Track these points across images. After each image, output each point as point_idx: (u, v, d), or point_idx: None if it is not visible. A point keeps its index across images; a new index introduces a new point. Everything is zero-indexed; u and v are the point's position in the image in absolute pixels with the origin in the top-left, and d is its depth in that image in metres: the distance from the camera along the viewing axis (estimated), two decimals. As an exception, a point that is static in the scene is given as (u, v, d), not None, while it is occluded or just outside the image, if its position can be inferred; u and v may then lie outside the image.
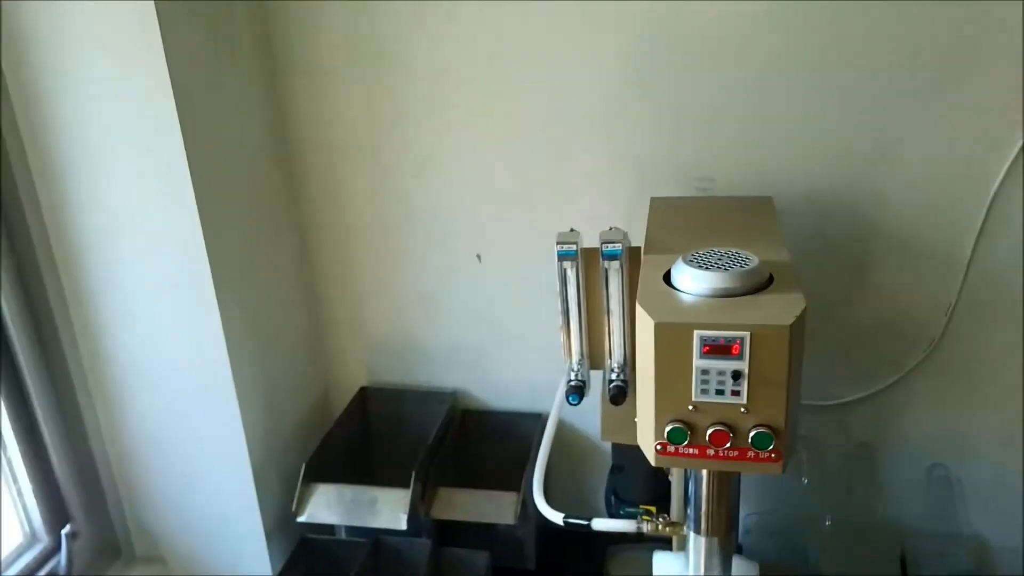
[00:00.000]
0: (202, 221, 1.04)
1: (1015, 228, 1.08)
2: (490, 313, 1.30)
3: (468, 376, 1.36)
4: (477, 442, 1.39)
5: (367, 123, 1.21)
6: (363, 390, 1.37)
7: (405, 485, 1.14)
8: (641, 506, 1.09)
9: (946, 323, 1.14)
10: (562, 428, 1.35)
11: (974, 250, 1.10)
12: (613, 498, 1.13)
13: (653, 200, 1.05)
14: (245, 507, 1.20)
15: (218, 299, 1.08)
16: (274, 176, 1.23)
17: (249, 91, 1.16)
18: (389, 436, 1.38)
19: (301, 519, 1.14)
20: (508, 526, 1.26)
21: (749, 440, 0.73)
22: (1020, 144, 1.04)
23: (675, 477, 1.03)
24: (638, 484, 1.10)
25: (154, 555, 1.28)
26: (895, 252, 1.13)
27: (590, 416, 1.10)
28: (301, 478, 1.15)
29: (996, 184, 1.06)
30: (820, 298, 1.17)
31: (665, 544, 1.11)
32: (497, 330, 1.31)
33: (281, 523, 1.23)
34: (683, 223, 0.98)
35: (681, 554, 0.97)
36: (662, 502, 1.09)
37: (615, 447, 1.09)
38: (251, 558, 1.22)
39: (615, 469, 1.12)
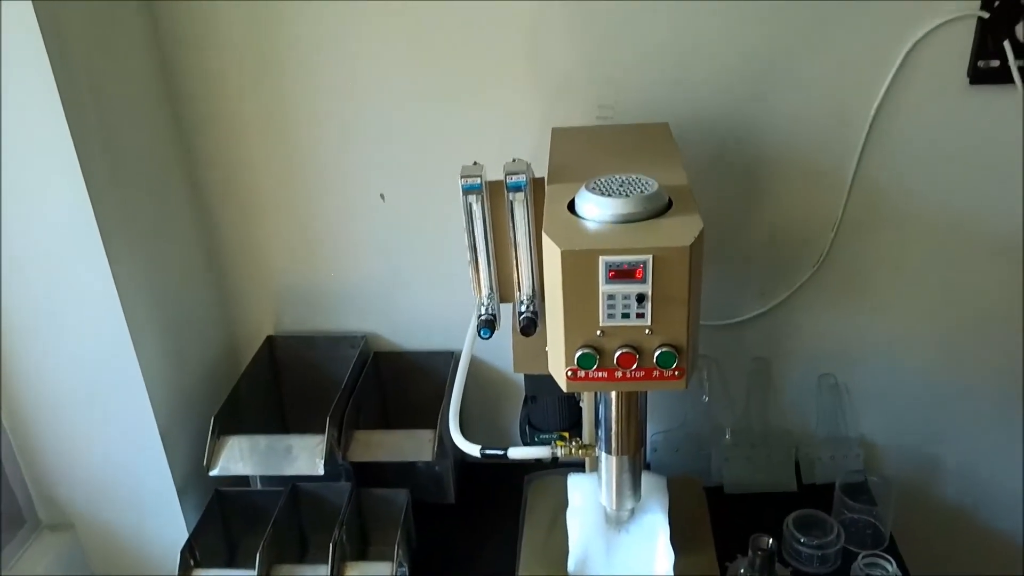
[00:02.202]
0: (83, 170, 0.98)
1: (893, 146, 1.14)
2: (397, 253, 1.29)
3: (379, 318, 1.35)
4: (392, 383, 1.39)
5: (258, 53, 1.15)
6: (270, 339, 1.35)
7: (320, 431, 1.13)
8: (555, 432, 1.11)
9: (832, 239, 1.20)
10: (476, 363, 1.37)
11: (856, 168, 1.15)
12: (528, 427, 1.16)
13: (554, 131, 1.05)
14: (153, 465, 1.17)
15: (108, 255, 1.03)
16: (161, 122, 1.17)
17: (131, 27, 1.09)
18: (300, 384, 1.36)
19: (214, 473, 1.12)
20: (426, 463, 1.27)
21: (654, 360, 0.76)
22: (896, 65, 1.08)
23: (586, 402, 1.07)
24: (551, 412, 1.12)
25: (62, 522, 1.23)
26: (784, 172, 1.17)
27: (503, 349, 1.11)
28: (211, 431, 1.12)
29: (875, 105, 1.11)
30: (716, 220, 1.21)
31: (579, 467, 1.15)
32: (405, 270, 1.30)
33: (193, 479, 1.20)
34: (585, 152, 0.99)
35: (594, 474, 1.00)
36: (575, 428, 1.12)
37: (528, 378, 1.11)
38: (164, 516, 1.19)
39: (528, 399, 1.15)
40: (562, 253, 0.73)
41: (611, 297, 0.74)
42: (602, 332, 0.76)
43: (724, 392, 1.32)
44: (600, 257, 0.73)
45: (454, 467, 1.32)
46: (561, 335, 0.77)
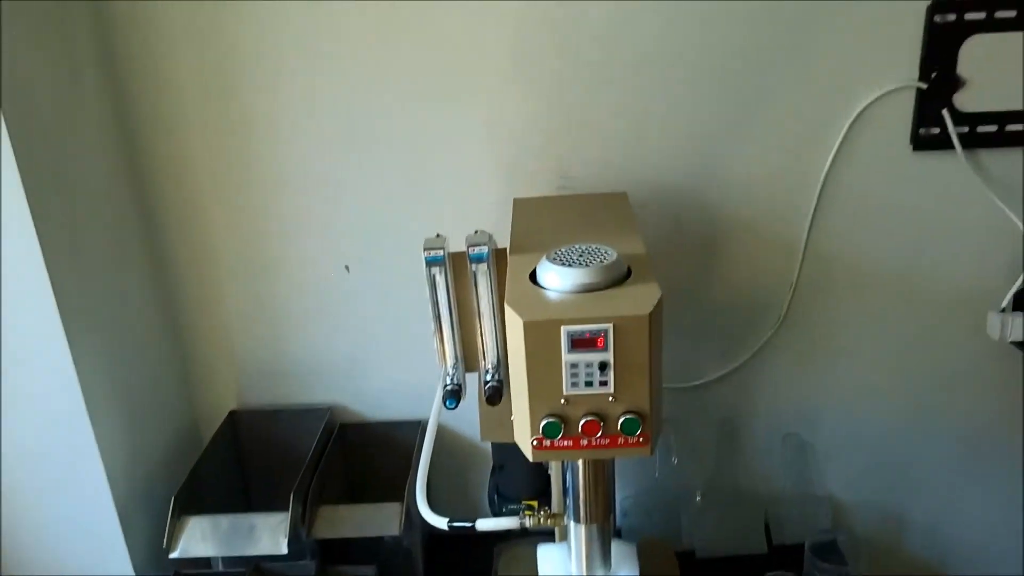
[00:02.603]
0: (42, 244, 0.97)
1: (843, 210, 1.18)
2: (361, 323, 1.28)
3: (344, 390, 1.34)
4: (358, 455, 1.37)
5: (220, 132, 1.16)
6: (232, 414, 1.32)
7: (284, 508, 1.11)
8: (524, 501, 1.10)
9: (789, 301, 1.23)
10: (442, 432, 1.36)
11: (809, 232, 1.19)
12: (496, 497, 1.15)
13: (516, 201, 1.07)
14: (111, 548, 1.13)
15: (65, 330, 1.01)
16: (122, 194, 1.17)
17: (91, 102, 1.10)
18: (264, 459, 1.33)
19: (174, 555, 1.09)
20: (394, 537, 1.25)
21: (619, 426, 0.77)
22: (843, 133, 1.13)
23: (554, 470, 1.06)
24: (519, 480, 1.12)
25: (11, 609, 1.18)
26: (740, 237, 1.21)
27: (469, 418, 1.11)
28: (171, 511, 1.09)
29: (824, 171, 1.15)
30: (676, 285, 1.23)
31: (549, 536, 1.14)
32: (370, 340, 1.30)
33: (153, 561, 1.16)
34: (546, 222, 1.00)
35: (563, 544, 0.99)
36: (544, 496, 1.11)
37: (495, 446, 1.10)
38: (121, 602, 1.15)
39: (496, 468, 1.14)
40: (524, 324, 0.74)
41: (574, 366, 0.75)
42: (566, 400, 0.76)
43: (692, 454, 1.32)
44: (562, 327, 0.74)
45: (423, 539, 1.30)
46: (526, 404, 0.77)
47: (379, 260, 1.24)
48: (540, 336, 0.74)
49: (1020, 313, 1.13)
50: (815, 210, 1.17)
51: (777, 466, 1.34)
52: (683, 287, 1.24)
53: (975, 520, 1.37)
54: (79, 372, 1.04)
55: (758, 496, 1.35)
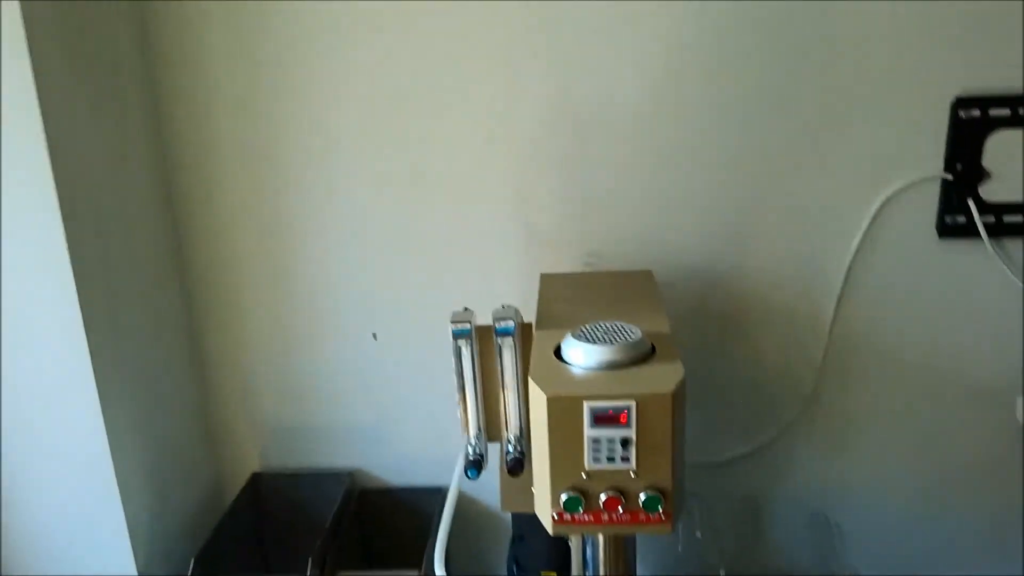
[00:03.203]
0: (83, 311, 1.01)
1: (869, 294, 1.19)
2: (386, 390, 1.30)
3: (366, 455, 1.35)
4: (378, 521, 1.37)
5: (254, 195, 1.21)
6: (255, 476, 1.34)
7: (302, 572, 1.11)
8: (543, 573, 1.10)
9: (815, 381, 1.23)
10: (463, 500, 1.36)
11: (835, 314, 1.20)
12: (515, 567, 1.14)
13: (543, 276, 1.10)
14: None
15: (99, 395, 1.04)
16: (160, 261, 1.21)
17: (132, 152, 1.14)
18: (285, 522, 1.34)
19: (193, 617, 1.09)
20: (412, 606, 1.24)
21: (640, 503, 0.77)
22: (869, 219, 1.15)
23: (574, 543, 1.06)
24: (539, 552, 1.11)
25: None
26: (767, 319, 1.22)
27: (489, 487, 1.11)
28: (191, 573, 1.10)
29: (851, 256, 1.17)
30: (701, 363, 1.24)
31: (568, 612, 1.13)
32: (394, 407, 1.31)
33: (172, 622, 1.17)
34: (571, 297, 1.03)
35: (582, 621, 0.98)
36: (564, 569, 1.11)
37: (515, 516, 1.10)
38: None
39: (516, 539, 1.14)
40: (548, 398, 0.75)
41: (596, 441, 0.76)
42: (587, 475, 0.77)
43: (714, 531, 1.31)
44: (585, 403, 0.75)
45: (440, 610, 1.28)
46: (547, 477, 0.78)
47: (406, 329, 1.26)
48: (563, 411, 0.76)
49: (1047, 400, 1.12)
50: (841, 294, 1.19)
51: (801, 545, 1.32)
52: (708, 365, 1.24)
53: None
54: (110, 437, 1.07)
55: (781, 574, 1.32)
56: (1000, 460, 1.25)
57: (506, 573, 1.17)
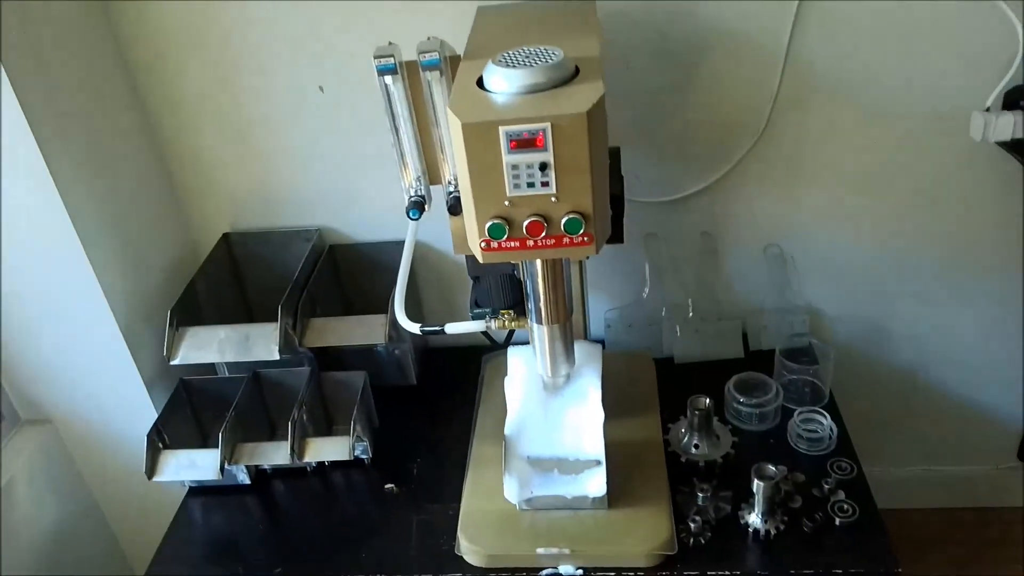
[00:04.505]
0: (15, 87, 0.99)
1: (824, 17, 1.13)
2: (342, 145, 1.29)
3: (332, 212, 1.37)
4: (350, 275, 1.42)
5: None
6: (226, 236, 1.37)
7: (275, 320, 1.17)
8: (501, 311, 1.15)
9: (770, 112, 1.20)
10: (426, 249, 1.40)
11: (790, 41, 1.14)
12: (475, 307, 1.19)
13: (479, 9, 1.04)
14: (120, 362, 1.22)
15: (50, 169, 1.05)
16: (96, 34, 1.16)
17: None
18: (257, 278, 1.40)
19: (175, 362, 1.17)
20: (387, 348, 1.33)
21: (562, 227, 0.79)
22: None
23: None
24: (495, 291, 1.15)
25: (40, 417, 1.30)
26: (721, 47, 1.16)
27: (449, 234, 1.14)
28: (168, 323, 1.17)
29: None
30: (657, 99, 1.21)
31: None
32: (353, 162, 1.31)
33: (160, 371, 1.25)
34: (504, 29, 0.98)
35: (531, 346, 1.05)
36: (519, 305, 1.16)
37: (469, 259, 1.13)
38: (136, 407, 1.25)
39: (474, 280, 1.18)
40: (463, 126, 0.74)
41: (515, 167, 0.76)
42: (510, 202, 0.78)
43: (673, 267, 1.35)
44: (499, 127, 0.74)
45: (415, 351, 1.37)
46: (472, 207, 0.79)
47: (353, 78, 1.23)
48: (480, 138, 0.75)
49: (1006, 112, 1.10)
50: (795, 19, 1.12)
51: (758, 278, 1.37)
52: (664, 101, 1.21)
53: (958, 328, 1.40)
54: (69, 208, 1.09)
55: (738, 307, 1.38)
56: (955, 182, 1.25)
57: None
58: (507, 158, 0.76)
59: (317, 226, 1.38)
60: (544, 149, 0.75)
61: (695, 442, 1.15)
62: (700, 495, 1.07)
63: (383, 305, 1.26)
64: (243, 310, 1.42)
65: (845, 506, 1.06)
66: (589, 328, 1.27)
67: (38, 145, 1.03)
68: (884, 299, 1.39)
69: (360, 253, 1.39)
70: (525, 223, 0.79)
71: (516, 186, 0.77)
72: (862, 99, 1.19)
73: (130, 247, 1.22)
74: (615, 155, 0.96)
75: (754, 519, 1.04)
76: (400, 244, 1.35)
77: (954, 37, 1.12)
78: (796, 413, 1.18)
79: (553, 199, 0.78)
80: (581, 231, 0.79)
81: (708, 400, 1.14)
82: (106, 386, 1.25)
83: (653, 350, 1.36)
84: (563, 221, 0.78)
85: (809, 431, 1.16)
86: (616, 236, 0.95)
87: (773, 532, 1.03)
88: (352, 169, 1.32)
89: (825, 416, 1.17)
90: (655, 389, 1.25)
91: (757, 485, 1.02)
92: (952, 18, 1.11)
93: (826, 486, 1.09)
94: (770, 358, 1.28)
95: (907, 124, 1.20)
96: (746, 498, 1.06)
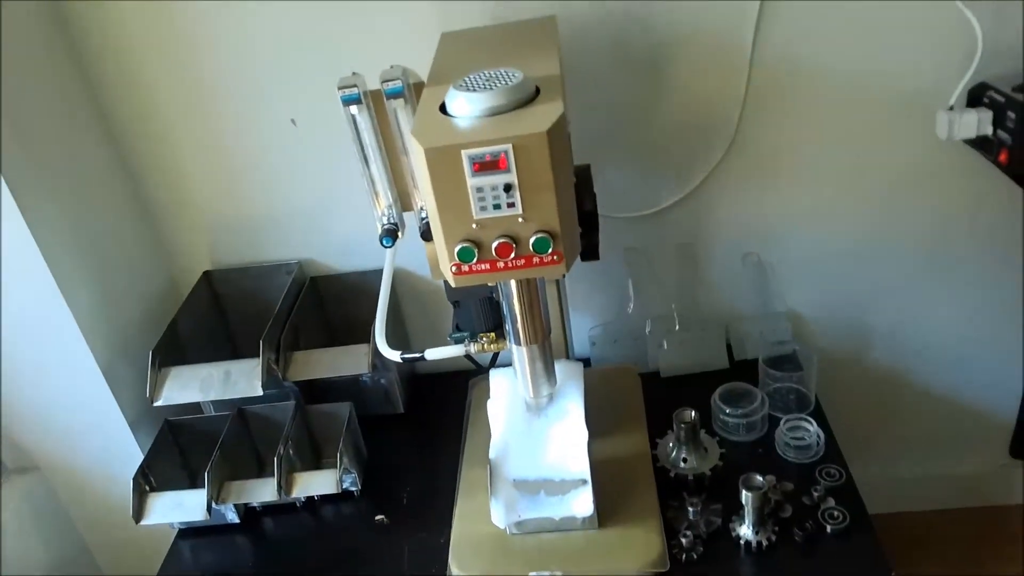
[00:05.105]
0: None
1: (786, 20, 1.14)
2: (319, 176, 1.30)
3: (311, 243, 1.38)
4: (333, 306, 1.42)
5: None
6: (207, 273, 1.37)
7: (257, 355, 1.17)
8: (481, 334, 1.15)
9: (739, 118, 1.21)
10: (407, 276, 1.40)
11: (754, 45, 1.15)
12: (456, 331, 1.19)
13: (443, 36, 1.05)
14: (103, 405, 1.21)
15: (21, 211, 1.06)
16: (63, 69, 1.17)
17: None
18: (239, 314, 1.39)
19: (158, 403, 1.16)
20: (372, 377, 1.32)
21: (531, 247, 0.79)
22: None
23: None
24: (475, 315, 1.15)
25: (27, 464, 1.29)
26: (685, 54, 1.17)
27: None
28: (150, 364, 1.16)
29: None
30: (625, 111, 1.22)
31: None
32: (330, 193, 1.31)
33: (144, 412, 1.25)
34: (466, 53, 0.99)
35: (512, 368, 1.04)
36: (500, 327, 1.16)
37: (447, 284, 1.13)
38: (120, 449, 1.24)
39: (454, 305, 1.18)
40: (425, 151, 0.75)
41: (480, 190, 0.76)
42: (478, 225, 0.78)
43: (653, 280, 1.35)
44: (462, 151, 0.74)
45: (401, 379, 1.37)
46: (440, 232, 0.80)
47: (324, 110, 1.22)
48: (443, 162, 0.75)
49: (969, 109, 1.11)
50: (757, 22, 1.13)
51: (738, 287, 1.37)
52: (632, 113, 1.22)
53: (938, 324, 1.40)
54: (43, 249, 1.09)
55: (721, 317, 1.38)
56: (926, 179, 1.25)
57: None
58: (471, 181, 0.76)
59: (297, 258, 1.38)
60: (507, 170, 0.75)
61: (683, 455, 1.15)
62: (690, 509, 1.07)
63: (367, 334, 1.25)
64: (226, 346, 1.42)
65: (835, 513, 1.05)
66: (573, 347, 1.27)
67: (5, 182, 1.03)
68: (865, 299, 1.39)
69: (342, 283, 1.39)
70: (494, 245, 0.79)
71: (482, 208, 0.78)
72: (830, 98, 1.19)
73: (107, 286, 1.22)
74: (586, 172, 0.97)
75: (745, 531, 1.03)
76: (379, 272, 1.37)
77: (916, 34, 1.14)
78: (783, 421, 1.18)
79: (520, 219, 0.78)
80: (550, 250, 0.79)
81: (694, 413, 1.13)
82: (90, 429, 1.24)
83: (639, 364, 1.36)
84: (531, 241, 0.79)
85: (796, 439, 1.16)
86: (591, 253, 0.95)
87: (765, 543, 1.02)
88: (329, 199, 1.32)
89: (811, 423, 1.17)
90: (641, 403, 1.25)
91: (746, 496, 1.01)
92: (914, 16, 1.12)
93: (816, 493, 1.08)
94: (755, 367, 1.27)
95: (877, 121, 1.21)
96: (736, 510, 1.05)
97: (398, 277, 1.38)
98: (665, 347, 1.34)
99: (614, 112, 1.22)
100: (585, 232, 0.90)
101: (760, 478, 1.01)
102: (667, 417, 1.18)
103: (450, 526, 1.11)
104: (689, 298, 1.36)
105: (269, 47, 1.19)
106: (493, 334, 1.04)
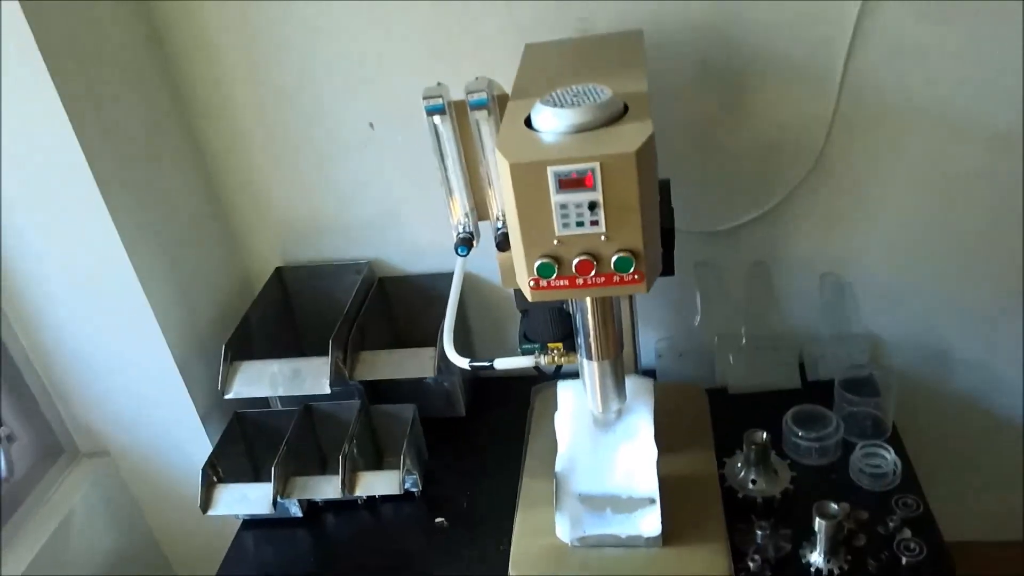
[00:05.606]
0: (73, 123, 1.02)
1: (880, 42, 1.10)
2: (393, 179, 1.31)
3: (382, 244, 1.38)
4: (401, 308, 1.43)
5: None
6: (279, 270, 1.39)
7: (326, 354, 1.18)
8: (549, 344, 1.14)
9: (826, 138, 1.18)
10: (479, 282, 1.40)
11: (846, 65, 1.12)
12: (525, 340, 1.19)
13: (527, 47, 1.04)
14: (175, 396, 1.24)
15: (108, 209, 1.09)
16: (148, 70, 1.20)
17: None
18: (309, 312, 1.41)
19: (228, 396, 1.19)
20: (436, 380, 1.33)
21: (612, 265, 0.78)
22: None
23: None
24: (544, 325, 1.14)
25: (98, 449, 1.33)
26: (773, 74, 1.14)
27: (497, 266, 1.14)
28: (222, 358, 1.19)
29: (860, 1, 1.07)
30: (706, 127, 1.20)
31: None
32: (403, 196, 1.32)
33: (214, 405, 1.27)
34: (552, 66, 0.98)
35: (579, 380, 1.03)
36: (568, 338, 1.15)
37: (517, 293, 1.13)
38: (190, 439, 1.27)
39: (522, 313, 1.17)
40: (511, 166, 0.74)
41: (564, 207, 0.76)
42: (559, 241, 0.78)
43: (725, 297, 1.32)
44: (548, 168, 0.74)
45: (464, 383, 1.37)
46: (520, 246, 0.79)
47: (403, 115, 1.24)
48: (527, 178, 0.75)
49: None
50: (851, 42, 1.10)
51: (813, 308, 1.33)
52: (714, 128, 1.20)
53: (1018, 356, 1.34)
54: (126, 246, 1.12)
55: (794, 336, 1.35)
56: (1018, 212, 1.20)
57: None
58: (556, 198, 0.75)
59: (367, 258, 1.39)
60: (593, 189, 0.74)
61: (752, 477, 1.12)
62: (759, 532, 1.04)
63: (433, 336, 1.26)
64: (294, 343, 1.44)
65: (912, 544, 1.02)
66: (640, 359, 1.25)
67: (95, 180, 1.06)
68: (951, 331, 1.34)
69: (410, 285, 1.40)
70: (574, 262, 0.78)
71: (565, 225, 0.77)
72: (923, 126, 1.15)
73: (184, 280, 1.25)
74: (665, 187, 0.95)
75: (816, 558, 1.01)
76: (450, 276, 1.38)
77: (1020, 70, 1.09)
78: (858, 447, 1.14)
79: (603, 238, 0.77)
80: (632, 269, 0.78)
81: (766, 434, 1.11)
82: (162, 419, 1.27)
83: (705, 380, 1.33)
84: (613, 260, 0.77)
85: (872, 466, 1.12)
86: (666, 268, 0.93)
87: (836, 572, 1.00)
88: (402, 202, 1.33)
89: (889, 450, 1.13)
90: (708, 422, 1.23)
91: (819, 524, 0.98)
92: (1018, 51, 1.07)
93: (891, 523, 1.05)
94: (828, 388, 1.24)
95: (973, 157, 1.17)
96: (807, 536, 1.03)
97: (466, 281, 1.37)
98: (734, 364, 1.32)
99: (693, 127, 1.20)
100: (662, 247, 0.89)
101: (835, 506, 0.99)
102: (735, 436, 1.16)
103: (509, 534, 1.10)
104: (760, 315, 1.33)
105: (349, 51, 1.19)
106: (563, 346, 1.03)
